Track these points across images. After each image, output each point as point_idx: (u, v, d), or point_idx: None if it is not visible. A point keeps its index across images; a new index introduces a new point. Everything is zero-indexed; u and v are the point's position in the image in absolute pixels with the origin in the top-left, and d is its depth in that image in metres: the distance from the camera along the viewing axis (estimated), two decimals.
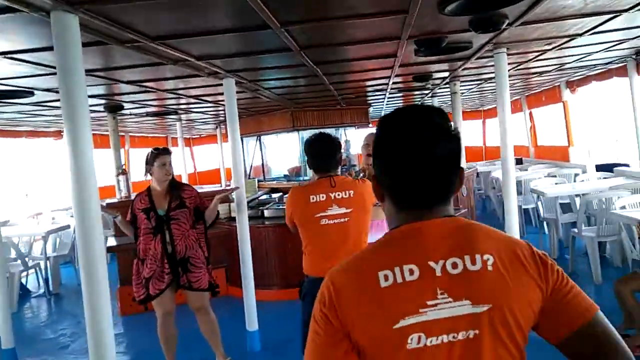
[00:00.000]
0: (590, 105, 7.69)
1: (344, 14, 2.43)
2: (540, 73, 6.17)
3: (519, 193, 7.47)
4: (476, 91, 8.03)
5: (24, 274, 6.58)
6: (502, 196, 8.37)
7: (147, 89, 4.34)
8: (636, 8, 2.80)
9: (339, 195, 2.61)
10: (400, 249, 0.95)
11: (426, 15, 2.50)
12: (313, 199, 2.62)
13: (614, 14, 2.91)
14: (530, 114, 9.83)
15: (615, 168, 6.56)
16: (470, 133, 12.76)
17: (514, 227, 3.92)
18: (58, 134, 8.28)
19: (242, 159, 8.97)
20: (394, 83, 5.48)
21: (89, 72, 3.24)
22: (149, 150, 3.51)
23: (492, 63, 4.74)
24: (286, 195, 7.42)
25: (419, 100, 9.33)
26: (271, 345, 3.94)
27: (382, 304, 0.90)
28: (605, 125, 8.06)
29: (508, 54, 3.86)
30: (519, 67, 5.22)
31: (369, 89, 6.12)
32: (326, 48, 3.18)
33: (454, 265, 0.92)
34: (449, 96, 8.38)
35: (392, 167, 0.99)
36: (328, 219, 2.60)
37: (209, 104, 6.07)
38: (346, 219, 2.61)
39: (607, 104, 7.72)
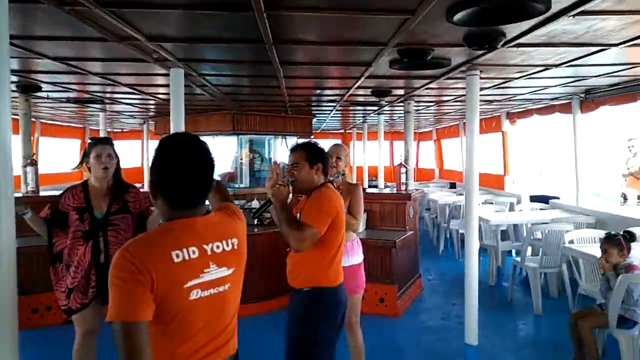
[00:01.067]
0: (526, 137, 7.97)
1: (347, 6, 2.07)
2: (490, 101, 6.22)
3: (457, 217, 7.52)
4: (421, 112, 8.02)
5: None
6: (436, 218, 8.60)
7: (75, 70, 3.67)
8: (627, 44, 2.72)
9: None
10: (183, 235, 1.36)
11: (430, 20, 2.21)
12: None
13: (603, 47, 2.83)
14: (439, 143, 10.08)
15: (550, 200, 6.76)
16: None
17: (473, 253, 3.78)
18: None
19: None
20: (350, 95, 5.21)
21: None
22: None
23: (451, 85, 4.68)
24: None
25: (362, 117, 9.21)
26: None
27: (175, 274, 1.31)
28: (535, 157, 8.40)
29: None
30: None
31: (323, 98, 5.81)
32: (302, 45, 2.80)
33: (217, 247, 1.42)
34: (392, 114, 8.40)
35: (172, 178, 1.38)
36: None
37: (142, 96, 5.41)
38: None
39: (540, 137, 8.04)
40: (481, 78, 3.79)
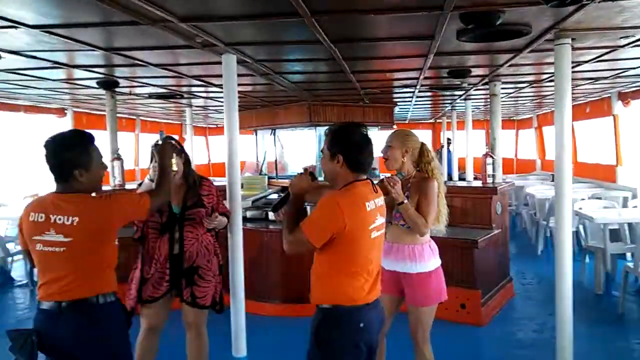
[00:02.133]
0: None
1: None
2: (594, 79, 5.36)
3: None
4: (514, 96, 7.23)
5: (10, 260, 6.08)
6: (535, 215, 7.72)
7: (135, 62, 3.71)
8: None
9: None
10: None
11: None
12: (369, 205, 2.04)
13: None
14: (572, 127, 8.96)
15: None
16: (502, 144, 11.99)
17: (565, 256, 3.20)
18: (61, 111, 7.81)
19: (256, 153, 8.52)
20: (425, 78, 4.76)
21: (45, 27, 2.63)
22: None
23: (542, 60, 4.04)
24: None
25: (450, 104, 8.57)
26: None
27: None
28: None
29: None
30: (573, 69, 4.45)
31: (396, 83, 5.41)
32: (351, 15, 2.49)
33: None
34: (485, 99, 7.67)
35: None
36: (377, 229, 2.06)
37: (214, 89, 5.44)
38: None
39: None
40: (575, 48, 3.17)
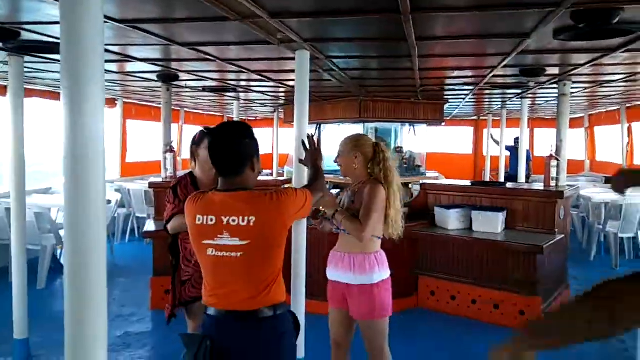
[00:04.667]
0: None
1: None
2: None
3: (616, 218, 6.40)
4: (575, 95, 6.91)
5: (60, 247, 6.19)
6: (587, 218, 7.41)
7: (206, 57, 3.65)
8: None
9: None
10: None
11: None
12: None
13: None
14: (629, 127, 8.57)
15: None
16: (546, 144, 11.59)
17: None
18: (112, 102, 7.90)
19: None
20: (493, 76, 4.56)
21: (133, 22, 2.58)
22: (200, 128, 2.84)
23: (627, 61, 3.81)
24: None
25: (501, 102, 8.28)
26: None
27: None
28: None
29: None
30: None
31: (457, 81, 5.21)
32: (445, 13, 2.35)
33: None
34: (534, 99, 7.38)
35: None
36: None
37: (272, 83, 5.36)
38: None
39: None
40: None
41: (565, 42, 2.76)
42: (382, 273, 2.54)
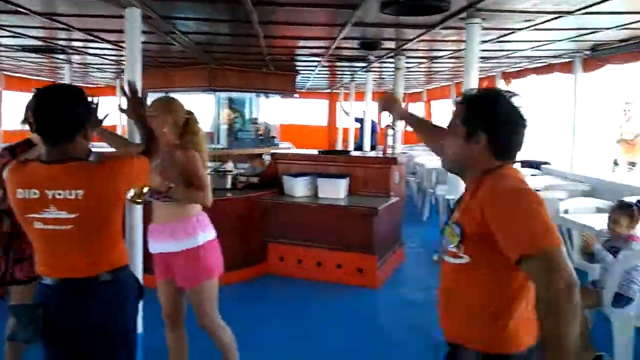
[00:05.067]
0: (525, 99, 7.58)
1: None
2: (486, 59, 5.78)
3: (444, 183, 7.21)
4: (412, 70, 7.55)
5: None
6: (421, 183, 8.27)
7: (19, 9, 3.14)
8: None
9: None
10: None
11: None
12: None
13: None
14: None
15: (542, 166, 6.46)
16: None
17: None
18: None
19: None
20: (336, 48, 4.73)
21: None
22: (28, 95, 2.44)
23: (447, 37, 4.24)
24: None
25: (350, 75, 8.71)
26: (159, 352, 3.01)
27: None
28: (536, 120, 8.04)
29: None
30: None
31: (304, 52, 5.31)
32: None
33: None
34: (385, 72, 7.91)
35: None
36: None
37: (106, 45, 4.86)
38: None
39: (536, 99, 7.68)
40: (483, 28, 3.35)
41: (392, 16, 2.95)
42: (207, 234, 2.48)
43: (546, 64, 5.86)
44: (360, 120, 10.51)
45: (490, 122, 1.42)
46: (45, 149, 1.71)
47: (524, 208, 1.29)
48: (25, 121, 2.42)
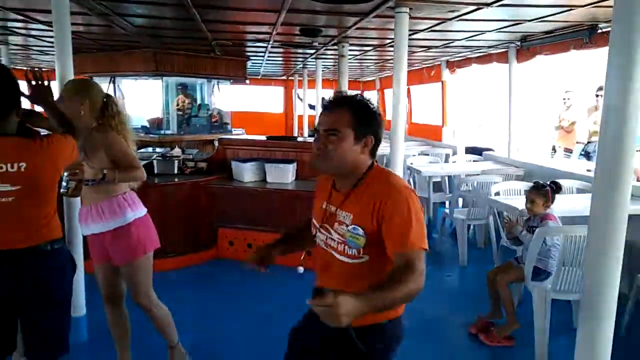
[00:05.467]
0: (467, 87, 7.86)
1: None
2: (428, 47, 5.96)
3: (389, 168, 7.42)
4: (360, 58, 7.67)
5: None
6: None
7: None
8: None
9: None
10: None
11: None
12: None
13: None
14: (408, 90, 9.88)
15: (484, 152, 6.74)
16: None
17: None
18: None
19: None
20: (278, 34, 4.77)
21: None
22: None
23: (385, 26, 4.35)
24: (142, 150, 6.13)
25: (301, 62, 8.74)
26: (102, 334, 3.06)
27: None
28: (475, 108, 8.37)
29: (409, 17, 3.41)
30: (410, 37, 4.87)
31: (249, 36, 5.32)
32: None
33: None
34: (335, 59, 7.97)
35: None
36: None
37: (40, 26, 4.72)
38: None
39: (480, 88, 7.96)
40: (412, 18, 3.47)
41: (322, 4, 3.02)
42: (137, 212, 2.51)
43: (485, 53, 6.09)
44: (313, 107, 10.61)
45: (375, 126, 1.54)
46: None
47: (415, 210, 1.46)
48: None
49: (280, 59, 8.49)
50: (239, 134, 8.17)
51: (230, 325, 3.49)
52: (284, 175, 5.01)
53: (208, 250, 4.95)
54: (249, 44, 5.88)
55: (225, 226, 5.02)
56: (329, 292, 1.16)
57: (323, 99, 1.66)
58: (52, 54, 7.77)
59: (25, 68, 10.92)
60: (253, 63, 8.35)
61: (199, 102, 7.74)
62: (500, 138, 7.60)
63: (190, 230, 4.81)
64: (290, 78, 12.76)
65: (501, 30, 4.37)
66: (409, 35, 4.58)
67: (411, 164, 6.27)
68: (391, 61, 8.04)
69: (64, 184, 2.21)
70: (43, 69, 2.44)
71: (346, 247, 1.54)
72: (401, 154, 3.66)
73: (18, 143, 1.82)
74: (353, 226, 1.52)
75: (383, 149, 7.76)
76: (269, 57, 7.44)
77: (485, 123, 9.77)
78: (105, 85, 7.32)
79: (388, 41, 5.47)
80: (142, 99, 8.10)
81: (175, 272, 4.43)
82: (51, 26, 4.68)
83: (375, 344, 1.56)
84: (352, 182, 1.57)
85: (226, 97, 8.45)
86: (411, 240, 1.42)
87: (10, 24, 4.89)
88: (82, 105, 2.39)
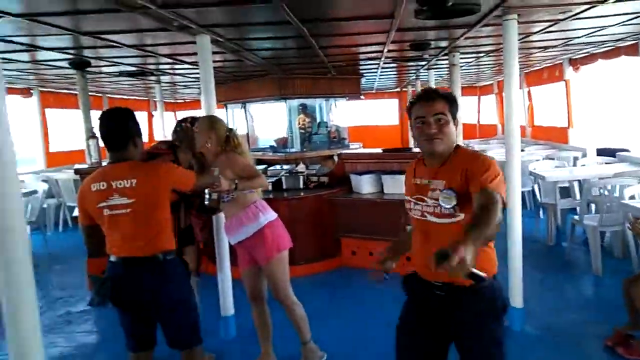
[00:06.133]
0: (593, 85, 7.31)
1: None
2: (545, 48, 5.74)
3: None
4: (474, 65, 7.58)
5: None
6: None
7: (112, 44, 3.84)
8: None
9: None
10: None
11: None
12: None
13: None
14: (529, 92, 9.43)
15: (617, 153, 6.22)
16: (465, 110, 12.41)
17: (515, 211, 3.58)
18: (27, 91, 7.73)
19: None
20: (389, 51, 5.02)
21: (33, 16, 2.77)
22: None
23: (496, 32, 4.36)
24: (271, 168, 6.78)
25: (414, 74, 8.86)
26: (248, 331, 3.57)
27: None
28: (608, 107, 7.72)
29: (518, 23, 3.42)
30: (523, 40, 4.78)
31: (361, 56, 5.65)
32: (312, 1, 2.72)
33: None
34: (447, 69, 7.97)
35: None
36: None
37: (187, 66, 5.56)
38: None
39: (611, 84, 7.34)
40: (520, 23, 3.48)
41: (426, 20, 3.20)
42: (268, 215, 2.95)
43: (612, 47, 5.67)
44: None
45: (458, 111, 1.87)
46: (109, 154, 2.34)
47: (498, 170, 1.74)
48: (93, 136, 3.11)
49: (393, 73, 8.72)
50: (356, 148, 8.53)
51: (361, 330, 3.73)
52: (400, 185, 5.15)
53: (333, 258, 5.29)
54: (362, 62, 6.21)
55: (347, 236, 5.32)
56: (449, 251, 1.38)
57: (417, 95, 1.89)
58: (194, 88, 8.96)
59: (174, 101, 12.46)
60: (367, 79, 8.69)
61: (318, 120, 8.28)
62: (636, 137, 6.94)
63: (317, 241, 5.19)
64: (403, 89, 12.89)
65: (624, 23, 4.12)
66: (522, 38, 4.57)
67: (534, 169, 6.04)
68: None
69: (207, 196, 2.82)
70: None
71: (441, 208, 1.78)
72: (518, 160, 3.63)
73: (133, 165, 2.29)
74: (447, 189, 1.77)
75: (499, 154, 7.59)
76: (381, 72, 7.72)
77: (623, 121, 8.87)
78: (237, 110, 8.24)
79: (501, 46, 5.40)
80: (268, 121, 8.89)
81: (305, 279, 4.79)
82: (195, 65, 5.55)
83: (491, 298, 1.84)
84: (443, 158, 1.83)
85: (343, 114, 8.88)
86: (492, 185, 1.68)
87: (161, 66, 5.84)
88: (210, 138, 2.91)
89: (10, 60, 4.60)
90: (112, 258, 2.30)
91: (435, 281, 1.85)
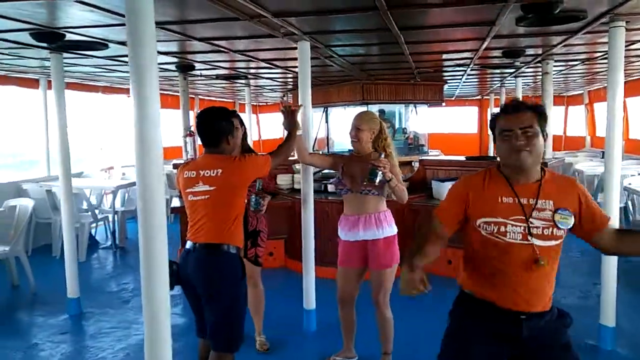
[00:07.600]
0: None
1: None
2: None
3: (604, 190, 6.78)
4: (564, 73, 7.29)
5: (94, 225, 6.83)
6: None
7: (219, 49, 4.17)
8: None
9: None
10: None
11: None
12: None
13: None
14: (624, 103, 8.86)
15: None
16: (552, 120, 11.87)
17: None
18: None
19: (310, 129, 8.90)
20: (479, 58, 5.00)
21: (160, 24, 3.11)
22: None
23: (594, 40, 4.22)
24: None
25: (499, 81, 8.66)
26: (327, 326, 3.75)
27: None
28: None
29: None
30: (626, 47, 4.56)
31: (449, 63, 5.65)
32: (416, 9, 2.83)
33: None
34: (535, 77, 7.74)
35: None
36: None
37: (279, 70, 5.86)
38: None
39: None
40: (628, 30, 3.37)
41: (526, 27, 3.20)
42: (394, 227, 3.07)
43: None
44: None
45: (546, 124, 1.80)
46: (205, 150, 2.55)
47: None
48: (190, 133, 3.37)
49: (477, 80, 8.58)
50: (435, 155, 8.48)
51: (424, 329, 3.63)
52: None
53: None
54: (449, 69, 6.20)
55: None
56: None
57: (502, 108, 1.85)
58: (278, 91, 9.33)
59: (257, 104, 13.03)
60: (449, 86, 8.61)
61: (396, 126, 8.31)
62: None
63: (400, 246, 5.22)
64: (485, 97, 12.58)
65: None
66: (627, 45, 4.37)
67: (629, 184, 5.71)
68: (602, 74, 7.49)
69: (252, 201, 3.11)
70: (289, 102, 3.25)
71: (554, 229, 1.74)
72: (618, 174, 3.49)
73: (221, 157, 2.46)
74: (561, 209, 1.75)
75: (595, 168, 7.28)
76: (466, 79, 7.63)
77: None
78: (319, 114, 8.49)
79: (599, 54, 5.19)
80: (345, 125, 9.05)
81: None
82: (285, 69, 5.85)
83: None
84: (535, 174, 1.77)
85: (423, 120, 8.85)
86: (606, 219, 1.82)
87: (253, 70, 6.19)
88: (373, 134, 3.03)
89: (127, 63, 5.10)
90: (188, 244, 2.45)
91: (522, 311, 1.79)
